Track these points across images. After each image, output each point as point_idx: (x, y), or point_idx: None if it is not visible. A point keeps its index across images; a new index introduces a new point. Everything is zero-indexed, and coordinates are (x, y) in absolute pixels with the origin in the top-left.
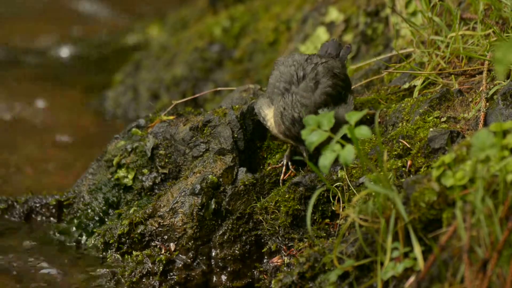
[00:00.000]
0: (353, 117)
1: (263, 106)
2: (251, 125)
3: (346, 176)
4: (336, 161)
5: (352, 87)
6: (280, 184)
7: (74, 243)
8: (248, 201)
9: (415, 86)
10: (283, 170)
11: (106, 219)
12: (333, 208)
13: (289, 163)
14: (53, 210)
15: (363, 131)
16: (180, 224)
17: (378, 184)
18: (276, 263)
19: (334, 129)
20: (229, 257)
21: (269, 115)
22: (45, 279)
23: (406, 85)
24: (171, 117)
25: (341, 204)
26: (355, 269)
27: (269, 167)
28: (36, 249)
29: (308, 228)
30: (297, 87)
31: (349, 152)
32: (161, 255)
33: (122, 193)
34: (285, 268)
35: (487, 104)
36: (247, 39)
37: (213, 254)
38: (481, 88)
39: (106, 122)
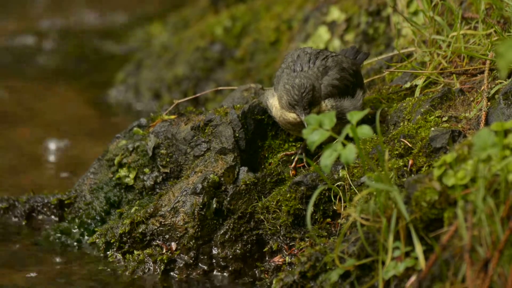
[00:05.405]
0: (355, 116)
1: (268, 97)
2: (253, 124)
3: (348, 176)
4: (337, 161)
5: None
6: (289, 171)
7: (76, 242)
8: (250, 200)
9: (416, 85)
10: (296, 159)
11: (108, 219)
12: (334, 208)
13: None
14: (55, 210)
15: (365, 130)
16: (182, 224)
17: (379, 183)
18: (277, 263)
19: (338, 121)
20: (231, 257)
21: (273, 102)
22: (46, 278)
23: (408, 85)
24: (173, 117)
25: (343, 204)
26: (356, 268)
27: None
28: (37, 248)
29: (308, 226)
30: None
31: (350, 152)
32: (163, 255)
33: (123, 193)
34: (286, 268)
35: (489, 103)
36: (248, 39)
37: (215, 253)
38: (482, 88)
39: (108, 121)
